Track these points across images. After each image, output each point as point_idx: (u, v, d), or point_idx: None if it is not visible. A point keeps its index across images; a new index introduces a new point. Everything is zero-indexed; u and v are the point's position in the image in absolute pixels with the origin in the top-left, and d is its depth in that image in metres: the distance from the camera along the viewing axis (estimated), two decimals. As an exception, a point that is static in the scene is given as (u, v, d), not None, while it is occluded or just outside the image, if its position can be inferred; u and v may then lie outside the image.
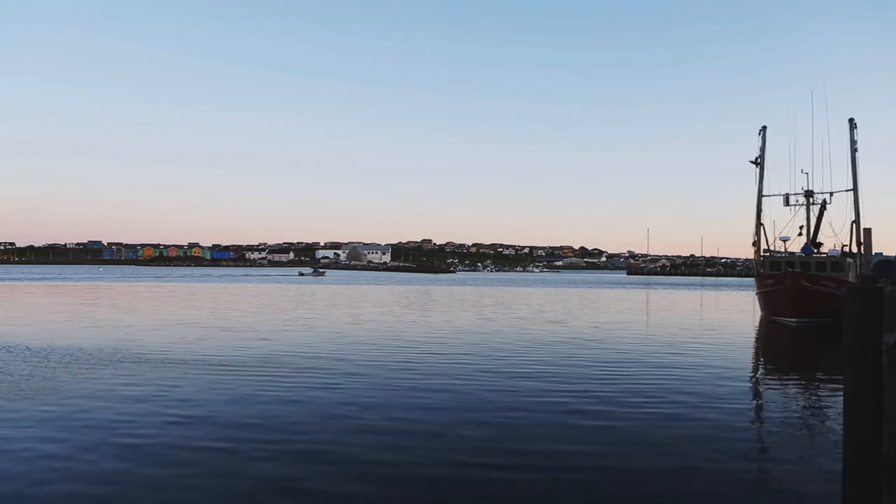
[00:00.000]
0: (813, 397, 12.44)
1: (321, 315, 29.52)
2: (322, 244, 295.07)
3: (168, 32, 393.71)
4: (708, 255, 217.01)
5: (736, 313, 35.63)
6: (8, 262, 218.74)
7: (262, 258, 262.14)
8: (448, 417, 9.94)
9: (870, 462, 4.04)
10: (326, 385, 12.37)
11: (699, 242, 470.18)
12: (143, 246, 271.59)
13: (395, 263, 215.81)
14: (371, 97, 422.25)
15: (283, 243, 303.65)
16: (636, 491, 6.88)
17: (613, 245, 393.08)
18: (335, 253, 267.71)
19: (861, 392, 4.11)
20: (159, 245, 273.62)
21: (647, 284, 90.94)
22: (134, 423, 9.34)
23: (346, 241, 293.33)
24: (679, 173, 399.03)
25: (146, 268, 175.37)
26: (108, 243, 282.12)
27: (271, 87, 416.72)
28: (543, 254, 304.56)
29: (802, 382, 14.17)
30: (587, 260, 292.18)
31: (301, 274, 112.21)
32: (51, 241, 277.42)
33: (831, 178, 61.79)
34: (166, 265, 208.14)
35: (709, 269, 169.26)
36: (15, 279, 78.26)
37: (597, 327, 25.03)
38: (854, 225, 33.29)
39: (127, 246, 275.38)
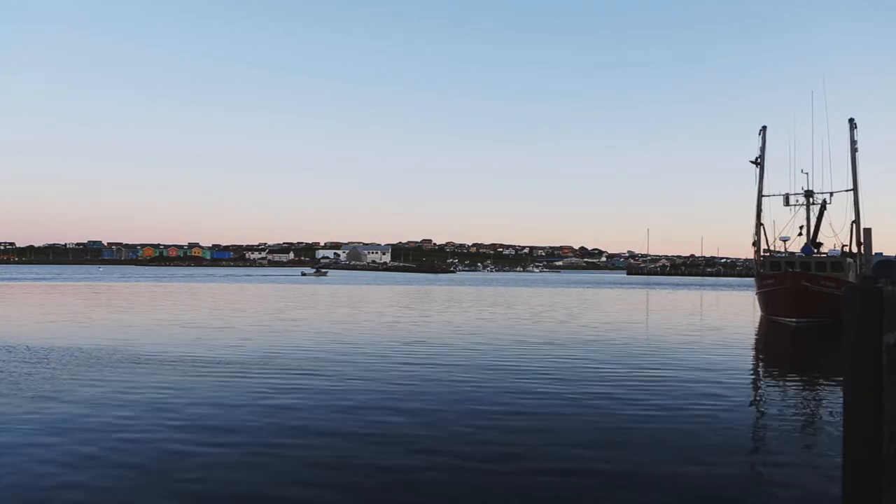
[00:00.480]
0: (813, 397, 12.44)
1: (325, 315, 29.53)
2: (322, 244, 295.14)
3: (168, 32, 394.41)
4: (708, 255, 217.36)
5: (736, 313, 35.62)
6: (8, 262, 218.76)
7: (262, 258, 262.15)
8: (447, 418, 9.93)
9: (870, 462, 4.03)
10: (329, 388, 12.38)
11: (699, 242, 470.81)
12: (143, 246, 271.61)
13: (395, 263, 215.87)
14: (371, 97, 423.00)
15: (283, 243, 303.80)
16: (636, 490, 6.88)
17: (613, 245, 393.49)
18: (335, 253, 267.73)
19: (861, 392, 4.10)
20: (159, 245, 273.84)
21: (647, 284, 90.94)
22: (133, 424, 9.33)
23: (346, 241, 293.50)
24: (679, 173, 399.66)
25: (147, 268, 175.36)
26: (108, 243, 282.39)
27: (271, 87, 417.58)
28: (543, 254, 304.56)
29: (802, 382, 14.17)
30: (587, 260, 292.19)
31: (304, 274, 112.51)
32: (51, 241, 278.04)
33: (831, 178, 61.76)
34: (166, 265, 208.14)
35: (709, 269, 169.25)
36: (15, 279, 78.26)
37: (596, 327, 25.02)
38: (854, 225, 33.29)
39: (127, 246, 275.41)
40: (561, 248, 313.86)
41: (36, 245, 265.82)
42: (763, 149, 35.73)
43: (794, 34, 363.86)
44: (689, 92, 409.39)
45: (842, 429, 4.40)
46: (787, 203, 35.81)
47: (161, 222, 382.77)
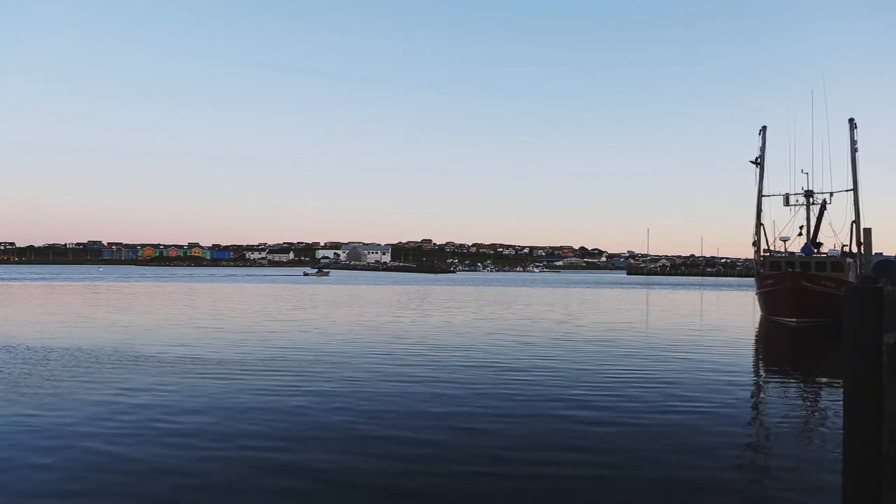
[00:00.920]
0: (813, 397, 12.44)
1: (325, 315, 29.53)
2: (322, 244, 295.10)
3: (168, 32, 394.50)
4: (708, 255, 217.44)
5: (736, 313, 35.62)
6: (8, 262, 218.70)
7: (262, 258, 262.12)
8: (446, 420, 9.92)
9: (870, 462, 4.03)
10: (329, 390, 12.37)
11: (699, 242, 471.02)
12: (143, 246, 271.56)
13: (395, 263, 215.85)
14: (371, 97, 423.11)
15: (283, 243, 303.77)
16: (635, 490, 6.88)
17: (613, 245, 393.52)
18: (335, 253, 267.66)
19: (861, 392, 4.10)
20: (159, 245, 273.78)
21: (647, 284, 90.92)
22: (133, 424, 9.33)
23: (346, 241, 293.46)
24: (679, 173, 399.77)
25: (147, 268, 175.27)
26: (108, 243, 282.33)
27: (271, 87, 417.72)
28: (543, 254, 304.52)
29: (802, 382, 14.16)
30: (587, 260, 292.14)
31: (306, 274, 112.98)
32: (51, 241, 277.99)
33: (831, 178, 61.79)
34: (166, 265, 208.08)
35: (709, 269, 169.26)
36: (15, 279, 78.25)
37: (596, 327, 25.02)
38: (854, 225, 33.28)
39: (127, 246, 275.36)
40: (561, 248, 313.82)
41: (36, 245, 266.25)
42: (763, 149, 35.74)
43: (794, 34, 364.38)
44: (689, 92, 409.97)
45: (842, 429, 4.40)
46: (787, 203, 35.82)
47: (161, 222, 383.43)
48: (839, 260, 31.26)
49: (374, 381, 12.83)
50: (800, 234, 35.36)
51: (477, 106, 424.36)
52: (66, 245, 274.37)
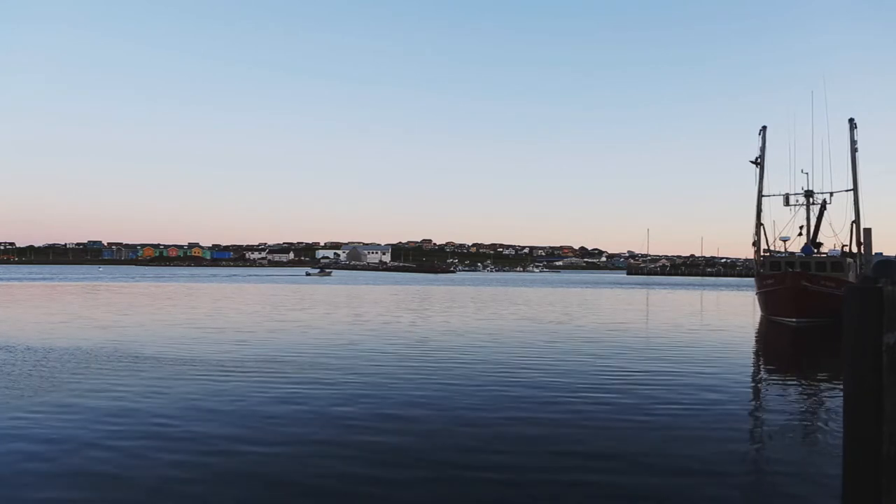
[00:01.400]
0: (813, 397, 12.43)
1: (326, 314, 29.53)
2: (322, 244, 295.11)
3: (168, 32, 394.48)
4: (708, 255, 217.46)
5: (736, 313, 35.60)
6: (8, 262, 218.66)
7: (262, 258, 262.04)
8: (445, 421, 9.92)
9: (870, 462, 4.03)
10: (328, 393, 12.37)
11: (699, 242, 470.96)
12: (143, 246, 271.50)
13: (395, 263, 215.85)
14: (371, 97, 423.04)
15: (283, 243, 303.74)
16: (635, 489, 6.87)
17: (613, 245, 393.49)
18: (335, 253, 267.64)
19: (861, 392, 4.10)
20: (159, 245, 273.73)
21: (647, 284, 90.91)
22: (134, 424, 9.33)
23: (346, 241, 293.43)
24: (679, 173, 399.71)
25: (147, 268, 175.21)
26: (108, 243, 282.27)
27: (271, 87, 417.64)
28: (543, 254, 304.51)
29: (802, 382, 14.16)
30: (587, 260, 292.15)
31: (308, 274, 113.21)
32: (51, 241, 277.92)
33: (831, 178, 61.61)
34: (166, 265, 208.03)
35: (709, 269, 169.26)
36: (15, 279, 78.25)
37: (596, 327, 25.02)
38: (854, 225, 33.28)
39: (127, 246, 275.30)
40: (561, 248, 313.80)
41: (36, 245, 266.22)
42: (763, 149, 35.73)
43: (794, 34, 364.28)
44: (689, 92, 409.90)
45: (842, 429, 4.40)
46: (787, 203, 35.82)
47: (161, 222, 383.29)
48: (839, 260, 31.25)
49: (375, 382, 12.82)
50: (800, 234, 35.38)
51: (477, 106, 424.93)
52: (66, 245, 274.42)
